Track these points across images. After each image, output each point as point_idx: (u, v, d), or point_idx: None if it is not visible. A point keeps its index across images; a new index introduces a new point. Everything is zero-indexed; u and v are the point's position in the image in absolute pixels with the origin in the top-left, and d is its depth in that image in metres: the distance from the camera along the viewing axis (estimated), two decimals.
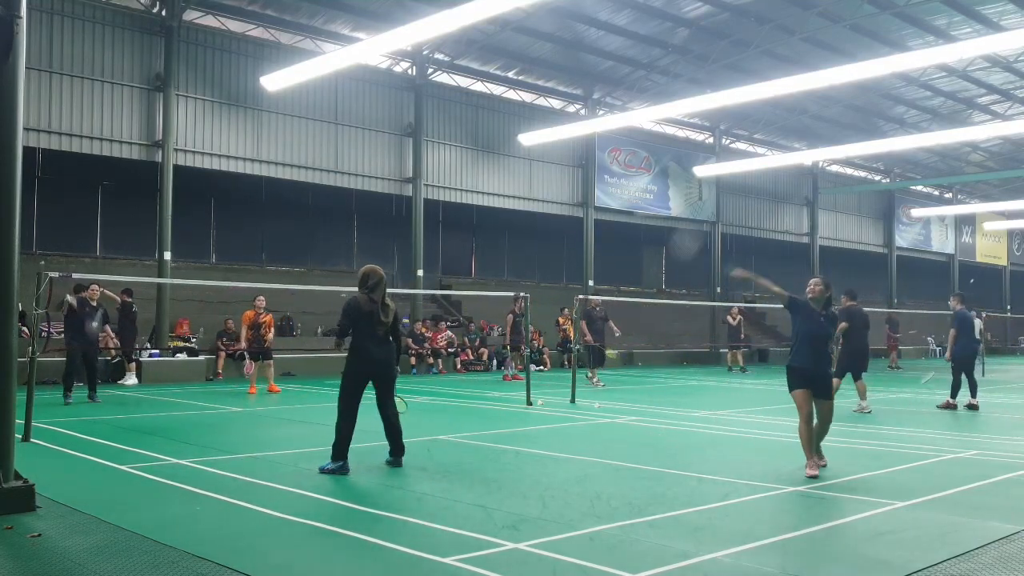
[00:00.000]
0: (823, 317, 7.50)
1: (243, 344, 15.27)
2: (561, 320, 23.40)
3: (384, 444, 7.63)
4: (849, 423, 11.57)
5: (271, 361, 15.43)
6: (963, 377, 13.33)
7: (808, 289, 7.61)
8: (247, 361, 15.68)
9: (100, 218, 21.93)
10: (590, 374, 17.78)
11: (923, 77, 27.95)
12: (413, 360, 21.33)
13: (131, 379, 17.01)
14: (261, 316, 15.03)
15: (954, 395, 13.17)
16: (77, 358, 13.21)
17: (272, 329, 15.52)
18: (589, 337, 17.85)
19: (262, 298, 15.28)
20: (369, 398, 7.55)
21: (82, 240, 21.46)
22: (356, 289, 7.61)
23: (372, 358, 7.45)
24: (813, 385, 7.50)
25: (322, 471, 7.18)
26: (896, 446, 9.34)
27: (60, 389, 13.34)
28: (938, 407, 13.27)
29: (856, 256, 40.15)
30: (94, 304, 13.32)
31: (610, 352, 18.35)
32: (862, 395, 12.77)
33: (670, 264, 34.98)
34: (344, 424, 7.35)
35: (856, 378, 12.78)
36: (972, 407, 13.15)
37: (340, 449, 7.26)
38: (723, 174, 31.39)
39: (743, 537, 5.19)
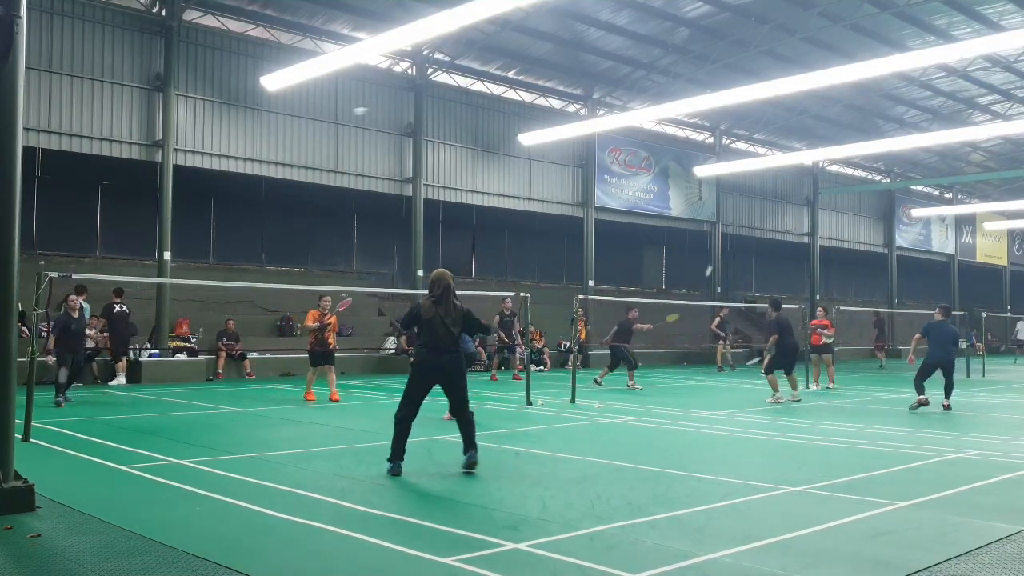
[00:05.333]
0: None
1: (309, 346, 14.00)
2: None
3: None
4: (849, 423, 11.57)
5: (333, 366, 14.05)
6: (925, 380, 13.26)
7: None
8: (313, 369, 14.16)
9: (100, 218, 21.92)
10: (600, 375, 18.20)
11: (923, 77, 27.94)
12: (413, 360, 21.30)
13: (119, 379, 17.00)
14: (327, 317, 13.69)
15: (920, 392, 13.12)
16: (66, 361, 13.24)
17: (335, 332, 14.17)
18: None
19: (328, 298, 13.93)
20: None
21: (82, 240, 21.45)
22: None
23: (431, 365, 7.51)
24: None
25: (388, 472, 7.25)
26: (896, 446, 9.34)
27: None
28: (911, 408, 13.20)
29: (856, 256, 40.15)
30: (76, 315, 13.26)
31: (671, 316, 19.06)
32: (774, 387, 14.56)
33: (670, 264, 34.99)
34: (397, 427, 7.40)
35: (781, 372, 14.66)
36: (945, 407, 13.15)
37: (394, 449, 7.33)
38: (723, 174, 31.37)
39: (743, 537, 5.19)
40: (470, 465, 7.37)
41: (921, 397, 13.10)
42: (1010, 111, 31.78)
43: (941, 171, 39.81)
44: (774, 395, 14.53)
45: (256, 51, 21.49)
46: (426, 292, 7.66)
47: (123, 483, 6.86)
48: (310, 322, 13.71)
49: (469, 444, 7.50)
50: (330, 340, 13.83)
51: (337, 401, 13.61)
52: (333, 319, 13.85)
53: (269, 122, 21.58)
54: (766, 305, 16.67)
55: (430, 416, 11.91)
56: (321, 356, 13.78)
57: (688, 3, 22.63)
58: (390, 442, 7.35)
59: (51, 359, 13.85)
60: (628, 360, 17.96)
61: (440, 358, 7.48)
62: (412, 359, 7.58)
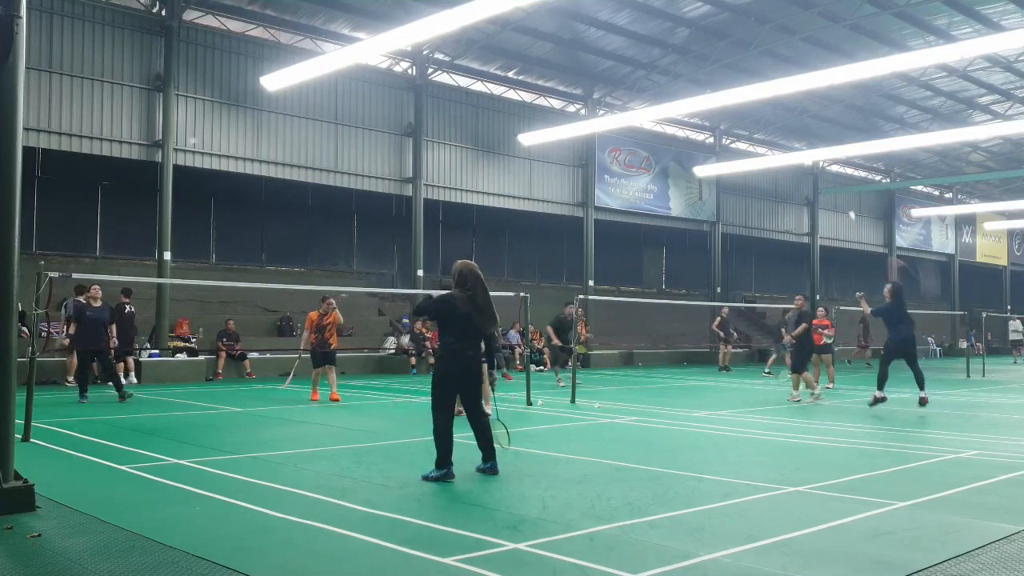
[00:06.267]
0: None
1: (306, 346, 13.97)
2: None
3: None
4: (849, 423, 11.57)
5: (334, 366, 14.05)
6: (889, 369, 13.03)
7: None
8: (315, 370, 14.00)
9: (100, 218, 21.93)
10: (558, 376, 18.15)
11: (923, 77, 27.95)
12: (413, 360, 21.34)
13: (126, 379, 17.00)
14: (326, 317, 13.64)
15: (880, 387, 12.80)
16: (86, 359, 13.34)
17: (336, 330, 13.99)
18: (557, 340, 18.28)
19: (331, 300, 13.88)
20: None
21: (82, 240, 21.46)
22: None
23: (464, 363, 7.09)
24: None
25: (425, 479, 6.91)
26: (896, 446, 9.34)
27: (59, 389, 13.40)
28: (870, 404, 12.93)
29: (856, 256, 40.15)
30: (97, 304, 13.37)
31: (581, 347, 18.56)
32: (797, 385, 14.56)
33: (670, 264, 35.00)
34: (441, 430, 6.99)
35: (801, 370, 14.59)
36: (922, 401, 12.89)
37: (442, 455, 6.95)
38: (723, 174, 31.39)
39: (743, 537, 5.19)
40: (491, 472, 7.13)
41: (879, 394, 12.76)
42: (1010, 111, 31.78)
43: (941, 171, 39.81)
44: (793, 393, 14.53)
45: (256, 51, 21.50)
46: (463, 288, 7.10)
47: (123, 483, 6.86)
48: (308, 325, 13.81)
49: (490, 454, 7.20)
50: (332, 340, 13.79)
51: (337, 401, 13.59)
52: (332, 317, 13.76)
53: (269, 122, 21.59)
54: (770, 305, 16.83)
55: (430, 416, 11.90)
56: (322, 356, 13.76)
57: (688, 3, 22.64)
58: (436, 453, 6.99)
59: (73, 360, 13.86)
60: (558, 356, 18.11)
61: (470, 357, 7.10)
62: (439, 357, 7.11)
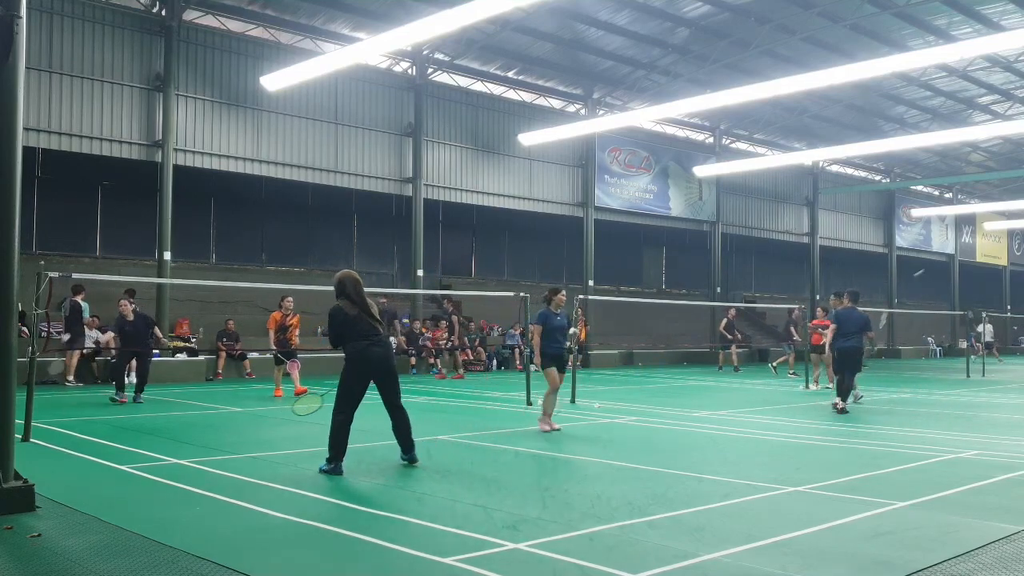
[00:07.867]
0: (559, 316, 10.52)
1: (272, 346, 14.45)
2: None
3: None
4: (849, 423, 11.57)
5: (297, 362, 14.68)
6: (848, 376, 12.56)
7: (555, 300, 10.59)
8: (287, 362, 14.40)
9: (100, 218, 21.93)
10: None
11: (923, 77, 27.95)
12: (413, 360, 21.33)
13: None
14: (288, 318, 14.21)
15: (844, 398, 12.38)
16: (125, 358, 13.56)
17: (297, 329, 14.66)
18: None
19: (291, 299, 14.45)
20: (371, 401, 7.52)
21: (82, 240, 21.46)
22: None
23: (374, 357, 7.35)
24: (559, 363, 10.29)
25: (321, 471, 7.16)
26: (896, 446, 9.34)
27: (59, 389, 13.41)
28: (839, 411, 12.35)
29: (856, 256, 40.15)
30: (131, 319, 13.37)
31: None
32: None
33: (670, 264, 34.99)
34: (339, 425, 7.29)
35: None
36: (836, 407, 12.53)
37: (337, 451, 7.20)
38: (723, 174, 31.39)
39: (743, 537, 5.19)
40: (412, 462, 7.45)
41: (841, 405, 12.28)
42: (1010, 111, 31.78)
43: (941, 171, 39.81)
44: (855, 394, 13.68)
45: (256, 51, 21.49)
46: (343, 295, 7.48)
47: (123, 483, 6.86)
48: (271, 325, 14.29)
49: (409, 446, 7.47)
50: (292, 339, 14.36)
51: (304, 392, 13.80)
52: (295, 319, 14.34)
53: (269, 122, 21.59)
54: (771, 305, 16.49)
55: (430, 416, 11.92)
56: (286, 355, 14.29)
57: (688, 3, 22.63)
58: (328, 443, 7.22)
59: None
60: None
61: (376, 351, 7.36)
62: (347, 360, 7.40)
